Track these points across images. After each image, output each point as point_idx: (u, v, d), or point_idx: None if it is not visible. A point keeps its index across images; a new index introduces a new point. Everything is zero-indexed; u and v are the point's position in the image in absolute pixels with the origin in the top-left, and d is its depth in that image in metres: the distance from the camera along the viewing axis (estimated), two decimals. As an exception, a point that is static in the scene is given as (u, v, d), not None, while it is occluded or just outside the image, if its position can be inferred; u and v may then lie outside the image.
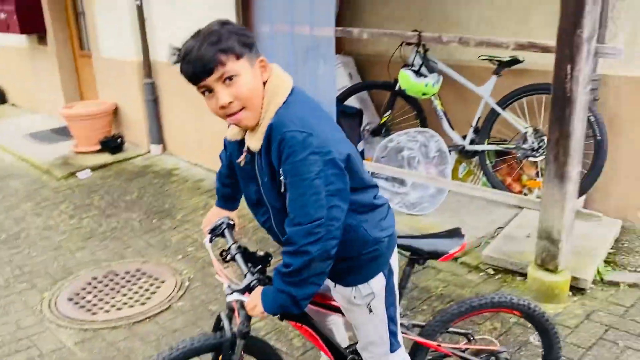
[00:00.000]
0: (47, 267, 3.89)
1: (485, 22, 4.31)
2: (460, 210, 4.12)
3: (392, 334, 1.84)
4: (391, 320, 1.82)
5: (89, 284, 3.68)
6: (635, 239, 3.63)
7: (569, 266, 3.10)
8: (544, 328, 2.20)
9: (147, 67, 5.85)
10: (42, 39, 7.51)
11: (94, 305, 3.44)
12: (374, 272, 1.74)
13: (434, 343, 2.08)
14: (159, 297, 3.48)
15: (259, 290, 1.67)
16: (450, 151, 4.30)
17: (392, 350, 1.85)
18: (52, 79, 7.49)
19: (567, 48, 2.66)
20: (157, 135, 6.04)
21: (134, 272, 3.80)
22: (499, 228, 3.79)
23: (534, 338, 2.74)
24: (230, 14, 4.72)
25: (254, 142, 1.60)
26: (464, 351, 2.17)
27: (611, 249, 3.51)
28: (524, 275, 3.23)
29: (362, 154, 4.73)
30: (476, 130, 4.22)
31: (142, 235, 4.32)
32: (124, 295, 3.53)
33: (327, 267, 1.59)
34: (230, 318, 1.81)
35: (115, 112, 6.43)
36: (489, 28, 4.26)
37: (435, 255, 2.02)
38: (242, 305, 1.73)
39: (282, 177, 1.55)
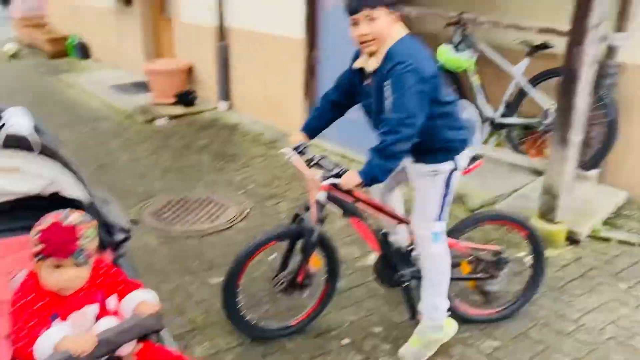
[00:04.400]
0: (134, 189, 4.74)
1: (523, 7, 4.78)
2: (486, 174, 4.67)
3: (440, 214, 2.52)
4: (444, 197, 2.49)
5: (165, 206, 4.49)
6: (637, 208, 4.13)
7: (567, 220, 3.67)
8: (539, 252, 2.88)
9: (221, 32, 6.61)
10: (128, 1, 8.39)
11: (171, 220, 4.25)
12: (445, 158, 2.45)
13: (455, 241, 2.76)
14: (224, 218, 4.26)
15: (352, 171, 2.36)
16: (483, 122, 4.86)
17: (439, 219, 2.52)
18: (134, 39, 8.38)
19: (577, 33, 3.20)
20: (225, 93, 6.83)
21: (203, 199, 4.59)
22: (514, 190, 4.36)
23: (527, 260, 3.33)
24: (299, -11, 5.37)
25: (373, 64, 2.31)
26: (476, 249, 2.87)
27: (612, 213, 4.04)
28: (528, 226, 3.80)
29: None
30: (507, 105, 4.77)
31: (210, 173, 5.12)
32: (196, 215, 4.32)
33: (407, 148, 2.27)
34: (305, 213, 2.58)
35: (190, 70, 7.26)
36: (528, 12, 4.74)
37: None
38: (333, 186, 2.45)
39: (388, 86, 2.22)
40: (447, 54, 4.58)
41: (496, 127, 4.90)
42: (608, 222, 3.93)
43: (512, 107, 4.71)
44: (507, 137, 4.84)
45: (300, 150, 2.63)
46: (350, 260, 3.57)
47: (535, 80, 4.52)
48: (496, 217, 2.89)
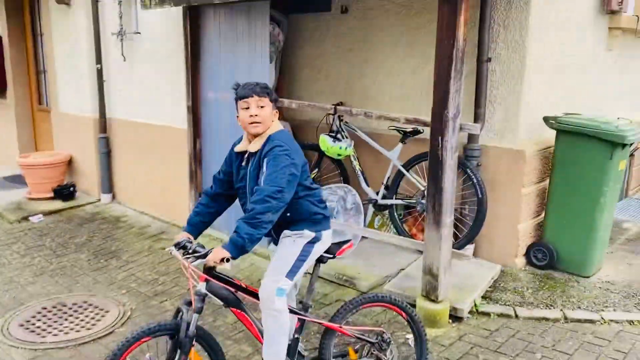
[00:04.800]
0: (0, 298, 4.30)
1: (396, 99, 5.18)
2: (373, 254, 4.82)
3: (291, 272, 2.64)
4: (300, 260, 2.66)
5: (39, 312, 4.11)
6: (510, 280, 4.40)
7: (449, 297, 3.82)
8: (419, 333, 3.01)
9: (103, 124, 6.45)
10: (2, 92, 7.99)
11: (43, 330, 3.87)
12: (309, 228, 2.71)
13: (337, 326, 2.82)
14: (103, 323, 3.96)
15: (218, 247, 2.46)
16: (365, 204, 5.05)
17: (288, 277, 2.63)
18: (8, 131, 7.94)
19: (438, 124, 3.48)
20: (108, 184, 6.57)
21: (81, 303, 4.26)
22: (400, 269, 4.50)
23: (411, 342, 3.38)
24: (180, 83, 5.45)
25: (256, 146, 2.62)
26: (358, 332, 2.94)
27: (490, 287, 4.27)
28: (414, 306, 3.90)
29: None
30: (386, 187, 5.00)
31: (90, 273, 4.79)
32: (71, 322, 3.98)
33: (274, 219, 2.48)
34: (186, 308, 2.54)
35: (70, 162, 6.94)
36: (398, 103, 5.13)
37: (333, 253, 2.82)
38: (207, 271, 2.56)
39: (264, 164, 2.52)
40: (326, 143, 4.78)
41: (379, 208, 5.11)
42: (486, 296, 4.13)
43: (391, 189, 4.95)
44: (390, 218, 5.04)
45: (182, 246, 2.64)
46: (241, 359, 3.43)
47: (409, 164, 4.81)
48: (375, 300, 2.94)
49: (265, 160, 2.53)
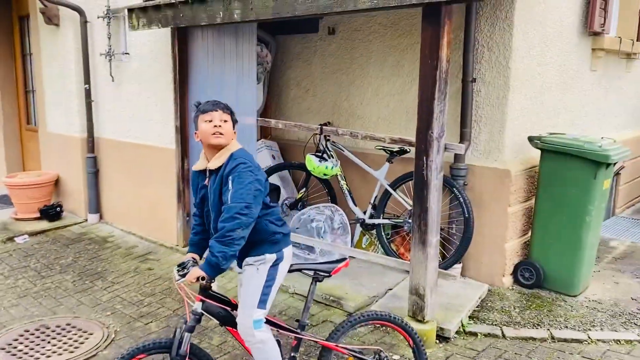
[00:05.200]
0: (-18, 321, 4.23)
1: (383, 119, 5.22)
2: (360, 274, 4.80)
3: (262, 302, 2.65)
4: (267, 287, 2.67)
5: (21, 335, 4.04)
6: (498, 299, 4.40)
7: (437, 318, 3.80)
8: (419, 351, 3.04)
9: (91, 143, 6.43)
10: (-11, 112, 7.97)
11: (25, 353, 3.80)
12: (271, 250, 2.71)
13: (334, 345, 2.83)
14: (87, 346, 3.89)
15: (195, 267, 2.56)
16: (353, 224, 5.04)
17: (258, 307, 2.65)
18: (-5, 150, 7.89)
19: (423, 144, 3.50)
20: (95, 204, 6.52)
21: (64, 325, 4.19)
22: (388, 289, 4.48)
23: None
24: (168, 103, 5.46)
25: (216, 163, 2.63)
26: (356, 350, 2.95)
27: (477, 307, 4.26)
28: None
29: (279, 225, 5.39)
30: (374, 207, 5.00)
31: (74, 294, 4.73)
32: (54, 345, 3.92)
33: (245, 235, 2.51)
34: (181, 327, 2.58)
35: (57, 182, 6.89)
36: (385, 123, 5.17)
37: (329, 272, 2.85)
38: (202, 292, 2.59)
39: (229, 182, 2.53)
40: (312, 163, 4.79)
41: (366, 227, 5.10)
42: (474, 316, 4.12)
43: (378, 209, 4.95)
44: (377, 237, 5.04)
45: (184, 266, 2.68)
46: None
47: (396, 183, 4.82)
48: (375, 318, 2.96)
49: (231, 178, 2.55)
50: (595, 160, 4.16)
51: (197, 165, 2.77)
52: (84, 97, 6.37)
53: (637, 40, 6.36)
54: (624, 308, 4.25)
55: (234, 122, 2.74)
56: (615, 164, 4.32)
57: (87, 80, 6.32)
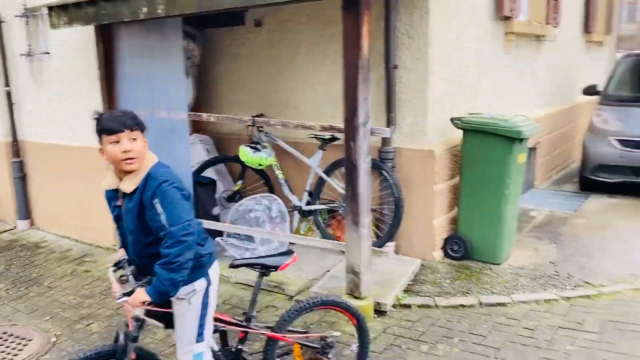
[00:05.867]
0: None
1: (315, 107, 5.35)
2: (300, 259, 4.89)
3: (199, 335, 2.54)
4: (202, 317, 2.53)
5: (-45, 348, 3.93)
6: (430, 273, 4.66)
7: (373, 294, 4.01)
8: (364, 332, 3.09)
9: (16, 147, 6.22)
10: None
11: (-39, 365, 3.71)
12: (200, 275, 2.50)
13: (281, 335, 2.83)
14: (26, 352, 3.83)
15: (140, 289, 2.33)
16: (291, 211, 5.18)
17: (198, 341, 2.55)
18: None
19: (350, 130, 3.67)
20: (25, 210, 6.32)
21: (0, 334, 4.10)
22: (327, 271, 4.66)
23: (354, 348, 3.50)
24: (95, 102, 5.36)
25: (131, 185, 2.37)
26: (302, 338, 2.96)
27: (411, 281, 4.50)
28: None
29: (217, 218, 5.45)
30: (310, 194, 5.16)
31: (9, 302, 4.61)
32: (-9, 355, 3.84)
33: (192, 257, 2.32)
34: (125, 332, 2.45)
35: (-19, 190, 6.61)
36: (317, 112, 5.31)
37: (276, 266, 2.81)
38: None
39: (157, 205, 2.30)
40: (246, 154, 4.88)
41: (304, 214, 5.25)
42: (408, 290, 4.36)
43: (314, 195, 5.11)
44: (315, 223, 5.19)
45: (120, 266, 2.60)
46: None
47: (330, 169, 4.99)
48: (322, 304, 2.99)
49: (157, 200, 2.30)
50: (510, 136, 4.49)
51: (108, 184, 2.48)
52: (5, 99, 6.14)
53: (546, 23, 6.82)
54: (544, 271, 4.62)
55: (143, 130, 2.42)
56: (528, 139, 4.66)
57: (7, 82, 6.09)
